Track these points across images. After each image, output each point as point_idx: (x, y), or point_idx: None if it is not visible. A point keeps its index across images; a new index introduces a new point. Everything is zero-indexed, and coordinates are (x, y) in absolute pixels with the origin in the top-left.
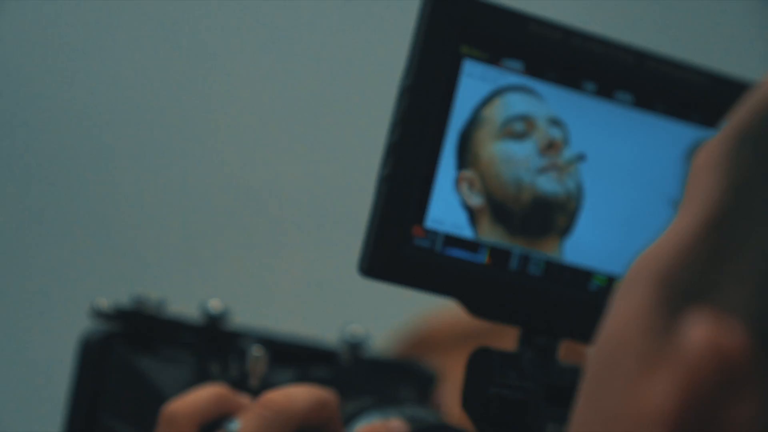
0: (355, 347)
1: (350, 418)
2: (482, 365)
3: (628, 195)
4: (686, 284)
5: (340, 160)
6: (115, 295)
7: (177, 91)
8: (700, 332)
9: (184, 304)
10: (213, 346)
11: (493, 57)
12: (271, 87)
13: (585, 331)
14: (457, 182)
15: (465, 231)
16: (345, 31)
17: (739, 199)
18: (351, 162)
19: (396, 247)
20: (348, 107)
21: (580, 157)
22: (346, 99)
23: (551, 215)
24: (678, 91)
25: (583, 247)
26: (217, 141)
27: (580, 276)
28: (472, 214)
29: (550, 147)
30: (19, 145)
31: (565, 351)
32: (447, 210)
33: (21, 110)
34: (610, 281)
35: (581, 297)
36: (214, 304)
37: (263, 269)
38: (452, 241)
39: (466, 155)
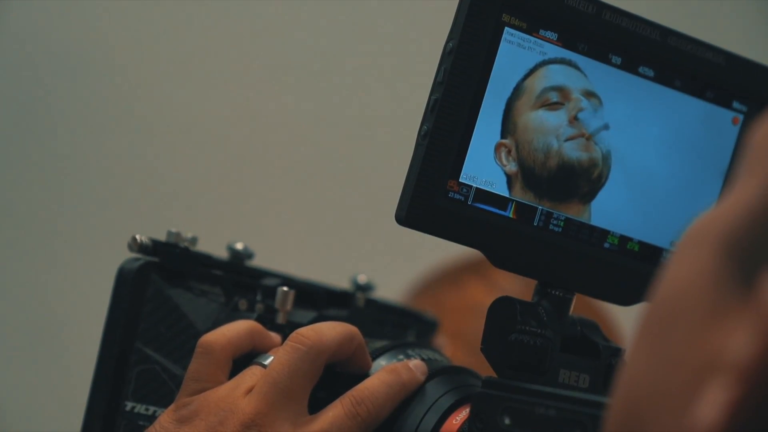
0: (366, 290)
1: (371, 356)
2: (504, 313)
3: (651, 164)
4: (759, 247)
5: (370, 119)
6: (151, 233)
7: (214, 42)
8: None
9: (211, 249)
10: (240, 283)
11: (530, 27)
12: (318, 41)
13: (596, 287)
14: (496, 149)
15: (500, 192)
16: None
17: None
18: (378, 121)
19: (432, 199)
20: (383, 67)
21: (605, 127)
22: (384, 58)
23: (575, 181)
24: (695, 69)
25: (605, 209)
26: (251, 94)
27: (596, 235)
28: (509, 180)
29: (579, 117)
30: (67, 99)
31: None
32: (481, 168)
33: (57, 58)
34: (623, 241)
35: (596, 254)
36: (240, 245)
37: (279, 220)
38: (483, 195)
39: (507, 124)
